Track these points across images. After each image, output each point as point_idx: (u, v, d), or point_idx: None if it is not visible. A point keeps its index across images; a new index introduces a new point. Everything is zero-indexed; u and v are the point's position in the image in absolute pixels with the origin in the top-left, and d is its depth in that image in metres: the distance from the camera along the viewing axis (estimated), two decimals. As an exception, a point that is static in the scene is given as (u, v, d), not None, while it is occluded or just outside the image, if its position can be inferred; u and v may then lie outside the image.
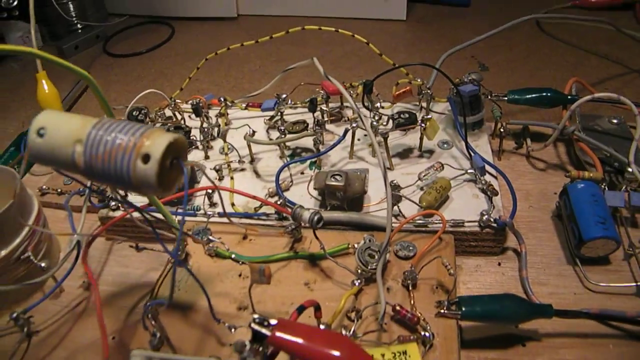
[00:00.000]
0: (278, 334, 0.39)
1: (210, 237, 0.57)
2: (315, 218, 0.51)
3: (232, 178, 0.67)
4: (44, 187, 0.76)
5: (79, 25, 1.28)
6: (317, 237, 0.52)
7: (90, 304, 0.63)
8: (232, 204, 0.64)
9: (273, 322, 0.40)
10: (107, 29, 1.30)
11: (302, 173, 0.68)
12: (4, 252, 0.60)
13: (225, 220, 0.61)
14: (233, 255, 0.56)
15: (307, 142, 0.72)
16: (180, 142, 0.41)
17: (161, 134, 0.40)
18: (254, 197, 0.59)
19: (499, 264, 0.61)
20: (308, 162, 0.69)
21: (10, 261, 0.60)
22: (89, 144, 0.40)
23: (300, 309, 0.44)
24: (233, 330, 0.48)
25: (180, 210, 0.63)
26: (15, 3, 1.26)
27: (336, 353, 0.39)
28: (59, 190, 0.76)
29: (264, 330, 0.39)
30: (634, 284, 0.56)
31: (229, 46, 0.84)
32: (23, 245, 0.61)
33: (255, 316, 0.40)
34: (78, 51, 1.23)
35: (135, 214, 0.54)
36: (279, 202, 0.60)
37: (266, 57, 1.09)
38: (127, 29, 1.31)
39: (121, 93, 1.06)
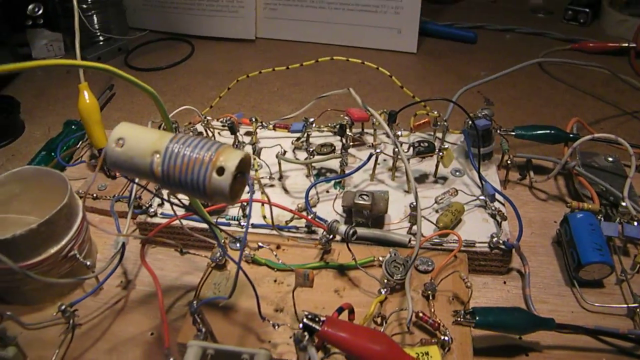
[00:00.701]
0: (327, 328, 0.45)
1: (260, 244, 0.63)
2: (351, 232, 0.57)
3: (262, 192, 0.73)
4: (80, 191, 0.81)
5: (101, 38, 1.34)
6: (349, 249, 0.58)
7: (129, 302, 0.68)
8: (264, 217, 0.70)
9: (322, 318, 0.46)
10: (128, 42, 1.36)
11: (328, 192, 0.74)
12: (54, 250, 0.65)
13: (255, 230, 0.68)
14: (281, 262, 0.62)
15: (331, 164, 0.78)
16: (247, 159, 0.47)
17: (233, 150, 0.46)
18: (295, 212, 0.65)
19: (505, 283, 0.67)
20: (333, 182, 0.75)
21: (58, 258, 0.66)
22: (167, 155, 0.46)
23: (340, 310, 0.50)
24: (277, 327, 0.54)
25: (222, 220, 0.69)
26: (41, 12, 1.32)
27: (377, 347, 0.45)
28: (94, 195, 0.81)
29: (315, 325, 0.45)
30: (625, 305, 0.63)
31: (248, 74, 0.90)
32: (70, 244, 0.67)
33: (307, 312, 0.46)
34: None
35: (185, 221, 0.60)
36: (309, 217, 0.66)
37: (284, 80, 1.16)
38: (148, 43, 1.37)
39: (144, 106, 1.11)
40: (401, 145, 0.72)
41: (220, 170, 0.45)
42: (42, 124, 1.09)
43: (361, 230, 0.65)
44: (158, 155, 0.46)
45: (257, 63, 1.02)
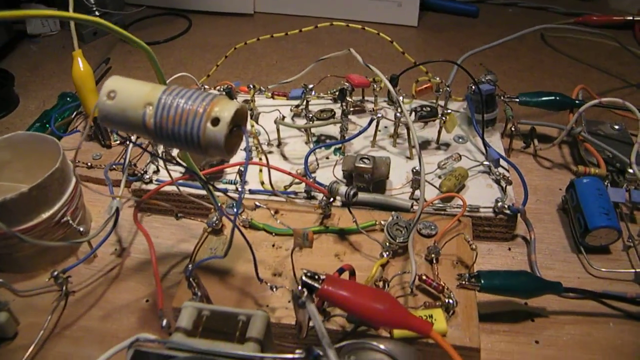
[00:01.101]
0: (327, 286, 0.43)
1: (257, 204, 0.61)
2: (352, 192, 0.55)
3: (260, 159, 0.72)
4: (76, 160, 0.79)
5: (97, 13, 1.31)
6: (350, 211, 0.57)
7: (124, 269, 0.66)
8: (261, 182, 0.68)
9: (322, 276, 0.44)
10: (125, 17, 1.33)
11: (327, 158, 0.72)
12: (46, 215, 0.63)
13: (253, 196, 0.66)
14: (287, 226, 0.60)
15: (331, 130, 0.77)
16: (243, 111, 0.45)
17: (229, 101, 0.44)
18: (295, 176, 0.63)
19: (509, 249, 0.66)
20: (333, 148, 0.73)
21: (51, 224, 0.64)
22: (160, 106, 0.44)
23: (341, 271, 0.49)
24: (275, 289, 0.52)
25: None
26: (35, -14, 1.30)
27: (380, 306, 0.43)
28: (89, 164, 0.79)
29: (314, 283, 0.43)
30: (633, 270, 0.61)
31: (246, 41, 0.88)
32: (63, 210, 0.65)
33: (306, 270, 0.44)
34: (96, 37, 1.27)
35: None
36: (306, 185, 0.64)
37: (283, 54, 1.14)
38: (145, 18, 1.35)
39: (142, 79, 1.08)
40: (402, 110, 0.71)
41: (215, 121, 0.43)
42: (36, 97, 1.07)
43: (362, 195, 0.63)
44: (150, 107, 0.44)
45: (256, 37, 1.00)
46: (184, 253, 0.67)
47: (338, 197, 0.58)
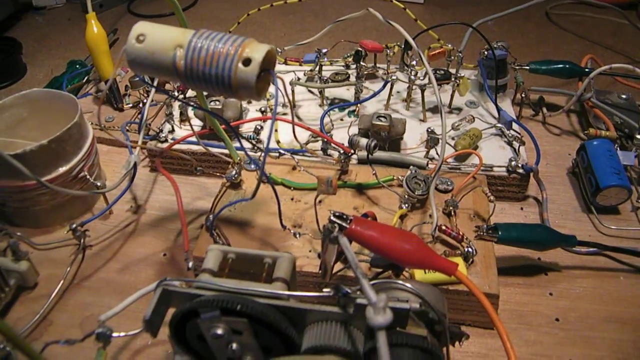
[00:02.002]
0: (356, 226, 0.44)
1: (281, 151, 0.63)
2: (373, 144, 0.56)
3: (275, 120, 0.72)
4: (100, 120, 0.80)
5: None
6: (371, 165, 0.58)
7: (139, 225, 0.67)
8: (278, 142, 0.69)
9: (350, 217, 0.45)
10: (131, -10, 1.33)
11: (342, 120, 0.73)
12: (64, 169, 0.64)
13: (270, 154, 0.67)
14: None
15: (344, 94, 0.77)
16: (273, 54, 0.46)
17: (259, 43, 0.44)
18: (314, 131, 0.64)
19: (522, 209, 0.67)
20: (347, 110, 0.74)
21: (68, 178, 0.64)
22: (190, 48, 0.45)
23: (365, 216, 0.49)
24: (298, 236, 0.53)
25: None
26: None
27: (407, 245, 0.44)
28: (103, 125, 0.80)
29: (342, 223, 0.44)
30: (642, 229, 0.63)
31: (248, 12, 0.89)
32: (80, 164, 0.65)
33: (334, 211, 0.45)
34: (103, 9, 1.26)
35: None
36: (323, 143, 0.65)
37: (291, 27, 1.14)
38: (150, -8, 1.35)
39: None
40: (416, 72, 0.72)
41: (247, 62, 0.43)
42: (44, 66, 1.07)
43: (379, 153, 0.64)
44: (181, 50, 0.45)
45: (264, 10, 1.00)
46: (199, 210, 0.68)
47: (357, 152, 0.59)
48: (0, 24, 1.18)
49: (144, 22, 0.47)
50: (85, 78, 0.92)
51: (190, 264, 0.48)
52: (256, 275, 0.47)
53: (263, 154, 0.47)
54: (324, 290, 0.42)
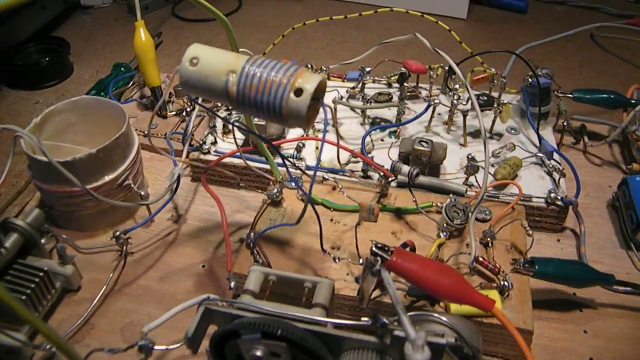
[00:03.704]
0: (396, 258, 0.45)
1: (325, 177, 0.63)
2: (415, 172, 0.57)
3: (316, 136, 0.73)
4: (150, 130, 0.81)
5: (150, -12, 1.34)
6: (411, 191, 0.58)
7: (180, 235, 0.69)
8: (318, 159, 0.70)
9: (391, 248, 0.45)
10: (176, -6, 1.35)
11: (382, 140, 0.74)
12: (110, 177, 0.65)
13: (310, 172, 0.67)
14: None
15: (385, 113, 0.78)
16: (324, 84, 0.47)
17: (311, 73, 0.45)
18: (356, 153, 0.64)
19: (558, 240, 0.67)
20: (387, 130, 0.75)
21: (114, 186, 0.66)
22: (243, 75, 0.46)
23: (404, 246, 0.50)
24: (337, 260, 0.54)
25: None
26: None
27: (446, 280, 0.45)
28: (144, 132, 0.81)
29: (384, 254, 0.45)
30: (684, 270, 0.62)
31: (293, 26, 0.90)
32: (126, 173, 0.67)
33: (375, 242, 0.46)
34: (148, 11, 1.29)
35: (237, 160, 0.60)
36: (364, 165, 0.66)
37: (332, 38, 1.15)
38: (195, -4, 1.37)
39: (192, 55, 1.11)
40: (458, 97, 0.72)
41: (299, 92, 0.44)
42: (90, 66, 1.10)
43: (419, 177, 0.64)
44: (234, 75, 0.46)
45: (305, 20, 1.01)
46: (238, 223, 0.69)
47: (398, 178, 0.60)
48: (50, 22, 1.21)
49: (198, 45, 0.49)
50: (131, 82, 0.94)
51: (233, 284, 0.49)
52: (296, 298, 0.48)
53: (310, 180, 0.48)
54: (362, 319, 0.43)
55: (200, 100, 0.74)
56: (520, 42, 1.13)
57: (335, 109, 0.74)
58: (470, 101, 0.71)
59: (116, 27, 1.25)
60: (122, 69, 1.00)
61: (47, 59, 1.04)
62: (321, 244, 0.53)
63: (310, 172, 0.68)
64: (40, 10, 1.18)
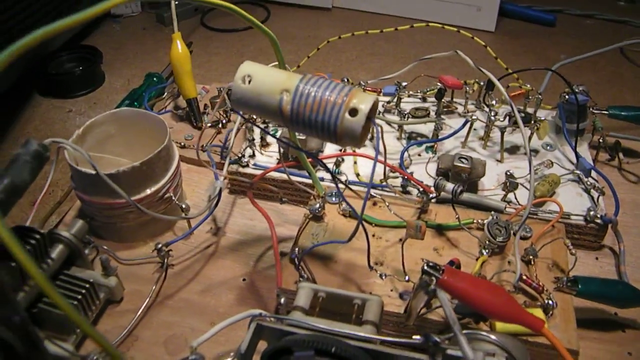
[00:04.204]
0: (447, 277, 0.45)
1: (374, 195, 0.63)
2: (459, 190, 0.57)
3: (354, 151, 0.74)
4: (199, 144, 0.82)
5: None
6: (454, 208, 0.58)
7: (219, 248, 0.69)
8: (357, 174, 0.70)
9: (442, 267, 0.46)
10: (205, 4, 1.36)
11: (419, 155, 0.74)
12: (152, 190, 0.66)
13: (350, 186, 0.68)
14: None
15: (421, 128, 0.78)
16: (376, 104, 0.47)
17: (366, 94, 0.46)
18: (396, 169, 0.65)
19: (597, 259, 0.67)
20: (424, 145, 0.75)
21: (155, 198, 0.67)
22: (297, 94, 0.46)
23: (451, 264, 0.51)
24: (384, 277, 0.54)
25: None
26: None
27: (497, 299, 0.45)
28: (182, 144, 0.82)
29: (435, 273, 0.45)
30: None
31: (328, 39, 0.91)
32: (167, 186, 0.68)
33: (427, 261, 0.46)
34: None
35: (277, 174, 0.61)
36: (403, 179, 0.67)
37: (362, 50, 1.16)
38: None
39: (222, 65, 1.13)
40: (495, 113, 0.72)
41: (354, 112, 0.45)
42: (121, 75, 1.11)
43: (462, 195, 0.64)
44: (287, 94, 0.47)
45: (334, 31, 1.02)
46: (279, 237, 0.69)
47: (441, 195, 0.60)
48: (80, 31, 1.23)
49: (250, 63, 0.50)
50: (165, 93, 0.96)
51: (282, 301, 0.50)
52: (345, 315, 0.49)
53: (363, 201, 0.48)
54: (414, 337, 0.43)
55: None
56: (549, 55, 1.14)
57: (381, 126, 0.75)
58: (507, 117, 0.72)
59: (145, 36, 1.26)
60: (155, 79, 1.01)
61: (81, 67, 1.06)
62: (368, 261, 0.54)
63: (354, 187, 0.68)
64: (72, 20, 1.19)
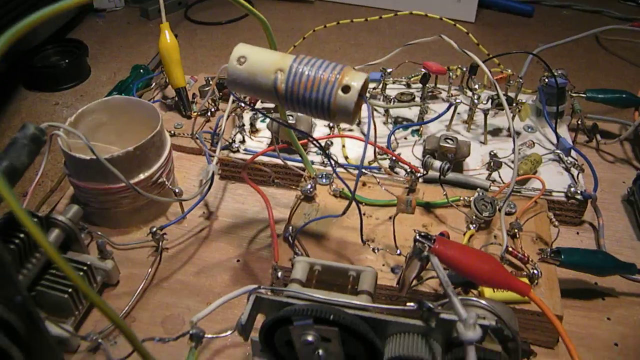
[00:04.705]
0: (439, 246, 0.47)
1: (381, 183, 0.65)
2: (446, 166, 0.59)
3: (341, 133, 0.76)
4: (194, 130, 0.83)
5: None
6: (442, 186, 0.61)
7: (213, 231, 0.71)
8: (346, 157, 0.72)
9: (433, 237, 0.48)
10: (189, -3, 1.37)
11: (405, 138, 0.76)
12: (146, 174, 0.67)
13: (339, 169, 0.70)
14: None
15: (406, 112, 0.81)
16: (367, 82, 0.49)
17: (357, 72, 0.48)
18: (385, 150, 0.67)
19: (577, 233, 0.69)
20: (410, 129, 0.77)
21: (149, 183, 0.68)
22: (292, 72, 0.48)
23: (441, 235, 0.53)
24: (377, 251, 0.56)
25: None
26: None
27: (486, 266, 0.47)
28: (172, 132, 0.83)
29: (427, 242, 0.47)
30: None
31: (314, 29, 0.92)
32: (160, 171, 0.69)
33: (418, 231, 0.48)
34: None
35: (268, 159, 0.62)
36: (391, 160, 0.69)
37: (345, 40, 1.18)
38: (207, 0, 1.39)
39: (208, 57, 1.14)
40: (479, 97, 0.75)
41: (346, 89, 0.47)
42: (107, 68, 1.12)
43: (450, 172, 0.66)
44: (282, 73, 0.48)
45: (317, 23, 1.04)
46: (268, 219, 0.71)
47: (428, 173, 0.62)
48: (65, 24, 1.23)
49: (244, 45, 0.51)
50: (153, 84, 0.96)
51: (280, 274, 0.51)
52: (341, 286, 0.51)
53: (357, 177, 0.50)
54: (408, 304, 0.45)
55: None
56: (527, 44, 1.17)
57: (373, 108, 0.77)
58: (490, 100, 0.74)
59: (129, 30, 1.27)
60: (141, 70, 1.02)
61: (67, 60, 1.06)
62: (361, 236, 0.56)
63: (344, 169, 0.70)
64: (56, 14, 1.19)
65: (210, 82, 0.86)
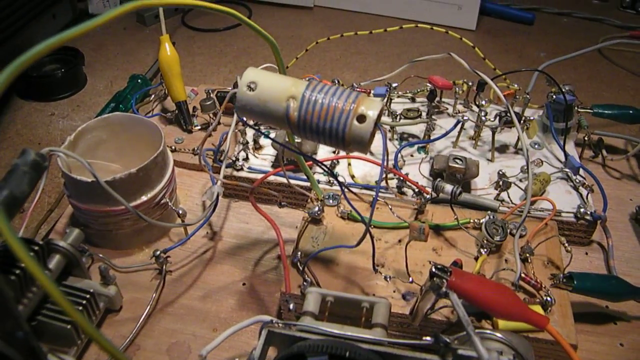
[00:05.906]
0: (455, 279, 0.46)
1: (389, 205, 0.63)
2: (458, 191, 0.58)
3: (347, 154, 0.74)
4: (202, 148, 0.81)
5: (155, -2, 1.33)
6: (452, 209, 0.60)
7: (217, 252, 0.69)
8: (352, 176, 0.71)
9: (449, 269, 0.47)
10: (206, 8, 1.35)
11: (412, 156, 0.75)
12: (148, 196, 0.66)
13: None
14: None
15: (412, 128, 0.79)
16: (383, 110, 0.48)
17: (373, 100, 0.47)
18: (393, 171, 0.66)
19: (586, 254, 0.69)
20: (416, 146, 0.76)
21: (152, 204, 0.67)
22: (304, 101, 0.47)
23: (455, 264, 0.52)
24: (389, 279, 0.55)
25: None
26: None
27: (503, 298, 0.46)
28: (173, 147, 0.82)
29: (443, 275, 0.46)
30: None
31: (317, 40, 0.91)
32: (163, 191, 0.68)
33: (434, 263, 0.47)
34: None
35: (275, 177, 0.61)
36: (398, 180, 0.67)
37: (345, 49, 1.16)
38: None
39: (207, 65, 1.12)
40: (486, 113, 0.74)
41: (362, 118, 0.45)
42: (103, 77, 1.10)
43: (462, 196, 0.65)
44: (294, 101, 0.47)
45: (316, 30, 1.02)
46: (274, 240, 0.69)
47: (439, 196, 0.61)
48: (60, 31, 1.20)
49: (254, 70, 0.50)
50: (152, 95, 0.95)
51: (292, 306, 0.50)
52: (354, 319, 0.50)
53: (371, 205, 0.49)
54: (424, 338, 0.44)
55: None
56: (529, 53, 1.16)
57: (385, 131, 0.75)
58: (497, 117, 0.73)
59: (126, 37, 1.25)
60: (139, 80, 1.00)
61: (62, 69, 1.04)
62: (374, 265, 0.55)
63: (353, 189, 0.68)
64: (52, 20, 1.18)
65: (212, 95, 0.85)
